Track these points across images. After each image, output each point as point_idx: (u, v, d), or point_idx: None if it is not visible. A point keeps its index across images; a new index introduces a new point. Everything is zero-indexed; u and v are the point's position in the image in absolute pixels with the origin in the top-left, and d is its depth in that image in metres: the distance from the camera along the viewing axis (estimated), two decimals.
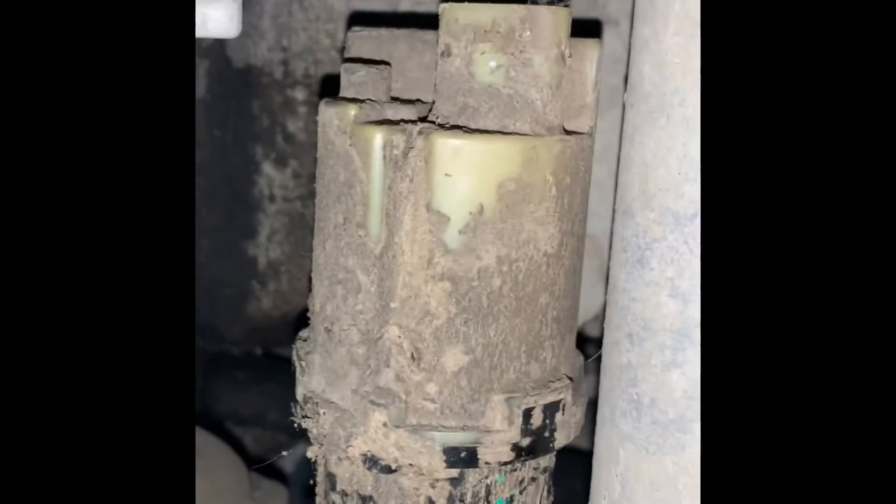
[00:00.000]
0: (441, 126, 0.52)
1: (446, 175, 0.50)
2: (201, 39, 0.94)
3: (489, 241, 0.51)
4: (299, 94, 0.85)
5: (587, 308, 0.83)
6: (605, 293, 0.62)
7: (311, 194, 0.90)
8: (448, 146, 0.50)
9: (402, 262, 0.52)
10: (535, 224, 0.52)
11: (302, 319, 0.62)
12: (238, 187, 0.90)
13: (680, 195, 0.51)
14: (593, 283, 0.84)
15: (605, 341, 0.60)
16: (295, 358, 0.60)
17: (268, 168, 0.89)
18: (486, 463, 0.54)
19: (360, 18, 0.80)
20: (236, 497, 0.91)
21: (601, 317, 0.75)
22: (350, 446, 0.54)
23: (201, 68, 0.90)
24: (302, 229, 0.90)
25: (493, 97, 0.52)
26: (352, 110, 0.53)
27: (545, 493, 0.60)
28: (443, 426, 0.53)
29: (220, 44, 0.90)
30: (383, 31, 0.62)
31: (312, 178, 0.89)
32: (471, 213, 0.51)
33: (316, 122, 0.80)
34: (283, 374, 1.17)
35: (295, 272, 0.91)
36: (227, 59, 0.89)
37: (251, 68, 0.87)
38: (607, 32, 0.79)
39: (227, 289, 0.94)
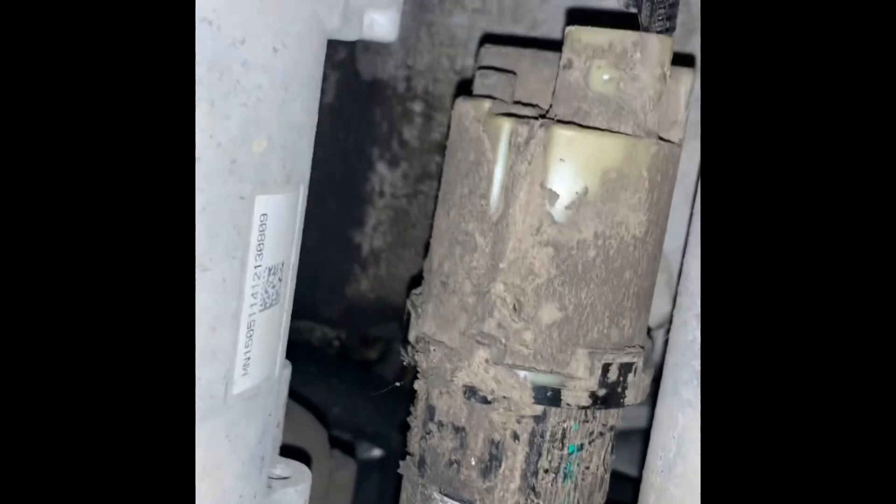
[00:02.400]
0: (559, 121, 0.64)
1: (560, 160, 0.62)
2: (333, 53, 1.09)
3: (589, 218, 0.62)
4: (417, 106, 0.99)
5: (653, 315, 0.93)
6: (672, 305, 0.72)
7: (416, 193, 1.03)
8: (564, 136, 0.61)
9: (515, 229, 0.63)
10: (629, 210, 0.63)
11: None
12: (353, 182, 1.03)
13: None
14: (661, 294, 0.94)
15: (674, 322, 0.70)
16: (409, 307, 0.72)
17: (381, 167, 1.02)
18: (567, 404, 0.63)
19: (489, 39, 0.93)
20: (317, 454, 1.02)
21: (666, 326, 0.85)
22: (455, 377, 0.64)
23: (332, 78, 1.05)
24: (404, 223, 1.02)
25: (603, 104, 0.64)
26: (486, 104, 0.65)
27: (608, 450, 0.69)
28: (534, 368, 0.63)
29: (350, 58, 1.04)
30: (510, 49, 0.75)
31: (419, 178, 1.02)
32: (577, 193, 0.62)
33: (429, 131, 0.93)
34: (350, 373, 1.28)
35: (393, 260, 1.04)
36: (356, 72, 1.03)
37: (377, 81, 1.01)
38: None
39: (330, 271, 1.06)
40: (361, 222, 1.04)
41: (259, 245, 0.53)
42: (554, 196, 0.62)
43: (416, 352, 0.68)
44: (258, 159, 0.52)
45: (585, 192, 0.62)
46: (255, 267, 0.53)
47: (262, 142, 0.51)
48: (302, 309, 1.09)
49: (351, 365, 1.31)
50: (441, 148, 1.00)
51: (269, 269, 0.55)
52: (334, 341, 1.33)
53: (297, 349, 1.18)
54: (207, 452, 0.53)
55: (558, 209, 0.62)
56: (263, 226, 0.53)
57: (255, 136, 0.51)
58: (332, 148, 1.04)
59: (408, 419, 0.73)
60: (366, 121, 1.03)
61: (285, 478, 0.69)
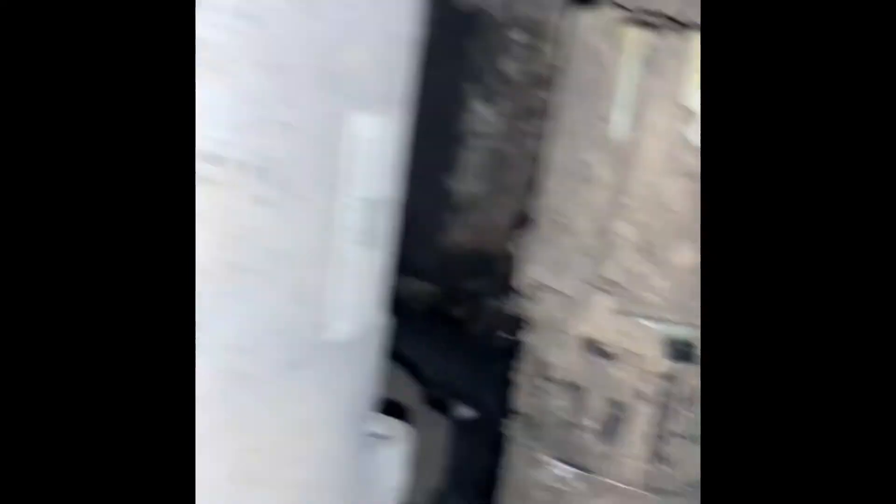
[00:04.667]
0: (697, 26, 0.54)
1: (699, 73, 0.52)
2: None
3: None
4: (518, 35, 0.90)
5: None
6: None
7: (516, 133, 0.94)
8: None
9: (644, 156, 0.54)
10: None
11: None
12: (443, 122, 0.95)
13: None
14: None
15: None
16: (514, 250, 0.64)
17: (477, 104, 0.94)
18: None
19: None
20: (410, 412, 0.97)
21: None
22: (571, 329, 0.57)
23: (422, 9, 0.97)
24: (501, 166, 0.94)
25: None
26: (609, 12, 0.56)
27: None
28: (666, 319, 0.55)
29: None
30: None
31: (519, 116, 0.94)
32: None
33: (531, 63, 0.83)
34: (440, 330, 1.22)
35: (490, 208, 0.96)
36: (448, 1, 0.95)
37: (472, 9, 0.93)
38: None
39: (423, 219, 1.00)
40: (455, 166, 0.96)
41: (354, 172, 0.46)
42: (691, 116, 0.53)
43: (526, 300, 0.60)
44: (354, 71, 0.44)
45: None
46: (350, 197, 0.47)
47: (362, 50, 0.44)
48: (395, 260, 1.04)
49: (441, 321, 1.26)
50: (545, 81, 0.90)
51: (365, 202, 0.48)
52: (427, 297, 1.27)
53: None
54: (298, 406, 0.47)
55: (696, 131, 0.53)
56: (359, 150, 0.46)
57: (353, 43, 0.44)
58: (421, 85, 0.97)
59: (511, 374, 0.66)
60: (457, 53, 0.94)
61: (383, 436, 0.63)
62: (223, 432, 0.44)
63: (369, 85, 0.46)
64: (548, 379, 0.61)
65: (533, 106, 0.92)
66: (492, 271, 1.03)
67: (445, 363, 1.18)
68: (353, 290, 0.49)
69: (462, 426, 1.23)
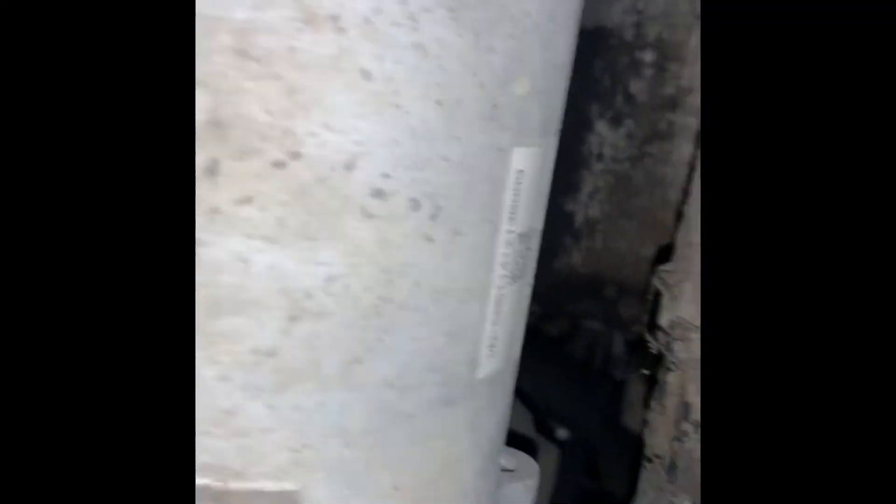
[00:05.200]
0: None
1: None
2: None
3: None
4: (648, 56, 0.87)
5: None
6: None
7: (643, 156, 0.91)
8: None
9: None
10: None
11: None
12: (567, 143, 0.93)
13: None
14: None
15: None
16: (660, 286, 0.61)
17: (601, 127, 0.91)
18: None
19: None
20: (525, 432, 0.95)
21: None
22: None
23: None
24: (626, 190, 0.91)
25: None
26: None
27: None
28: None
29: None
30: None
31: (647, 139, 0.91)
32: None
33: (661, 85, 0.79)
34: (537, 348, 1.19)
35: (612, 232, 0.93)
36: None
37: (600, 30, 0.90)
38: None
39: (542, 243, 0.98)
40: (576, 188, 0.94)
41: (513, 207, 0.45)
42: None
43: (672, 339, 0.57)
44: (519, 104, 0.43)
45: None
46: (508, 232, 0.45)
47: (526, 82, 0.43)
48: None
49: (539, 340, 1.24)
50: (674, 103, 0.87)
51: (521, 236, 0.47)
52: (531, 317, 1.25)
53: None
54: (448, 443, 0.46)
55: None
56: (519, 184, 0.45)
57: (518, 74, 0.42)
58: None
59: (648, 415, 0.63)
60: (584, 73, 0.92)
61: (510, 470, 0.62)
62: (377, 469, 0.43)
63: (531, 117, 0.45)
64: (693, 423, 0.58)
65: (660, 128, 0.89)
66: (598, 295, 1.00)
67: (543, 382, 1.16)
68: (506, 324, 0.48)
69: (560, 447, 1.20)
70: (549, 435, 1.16)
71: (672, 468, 0.59)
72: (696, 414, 0.57)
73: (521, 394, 1.09)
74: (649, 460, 0.62)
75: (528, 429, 0.98)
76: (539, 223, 0.51)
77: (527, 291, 0.52)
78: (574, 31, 0.49)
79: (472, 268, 0.44)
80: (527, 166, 0.45)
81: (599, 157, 0.92)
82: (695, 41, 0.84)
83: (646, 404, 0.63)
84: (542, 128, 0.46)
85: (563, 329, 1.28)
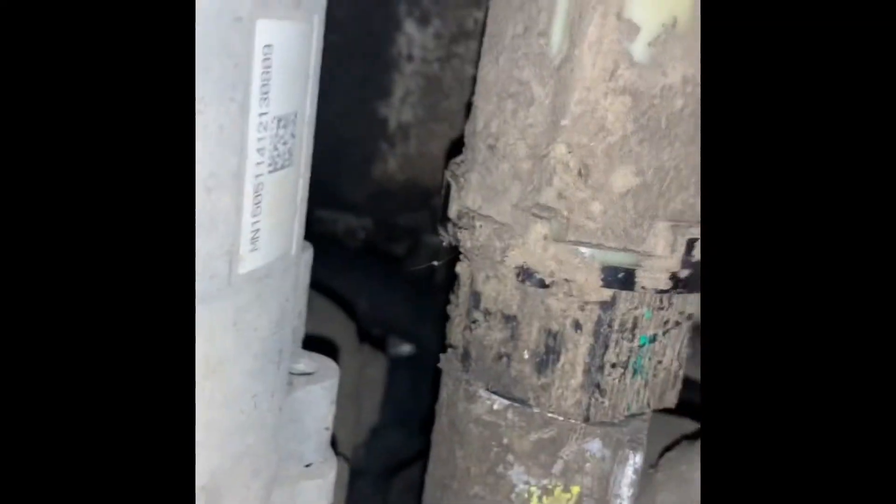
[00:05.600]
0: None
1: None
2: None
3: (677, 57, 0.50)
4: None
5: None
6: None
7: (451, 56, 0.89)
8: None
9: (583, 73, 0.51)
10: None
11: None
12: (375, 45, 0.90)
13: None
14: None
15: None
16: (449, 177, 0.60)
17: (409, 27, 0.88)
18: (643, 287, 0.53)
19: None
20: (346, 348, 0.94)
21: None
22: (506, 258, 0.54)
23: None
24: (438, 92, 0.90)
25: None
26: None
27: (685, 342, 0.59)
28: (603, 245, 0.53)
29: None
30: None
31: (454, 38, 0.89)
32: (663, 25, 0.49)
33: None
34: (377, 266, 1.18)
35: (425, 137, 0.92)
36: None
37: None
38: None
39: (353, 149, 0.95)
40: (387, 92, 0.91)
41: (264, 86, 0.42)
42: (634, 29, 0.49)
43: (459, 229, 0.57)
44: None
45: (674, 23, 0.49)
46: (260, 115, 0.42)
47: None
48: (322, 194, 0.99)
49: (378, 258, 1.23)
50: (481, 1, 0.85)
51: (279, 120, 0.44)
52: (359, 231, 1.23)
53: (318, 240, 1.10)
54: (211, 344, 0.43)
55: (639, 47, 0.50)
56: (268, 60, 0.42)
57: None
58: (349, 6, 0.90)
59: (447, 308, 0.63)
60: None
61: (309, 373, 0.60)
62: None
63: None
64: (483, 311, 0.58)
65: (467, 27, 0.87)
66: (429, 205, 0.99)
67: (383, 299, 1.16)
68: (270, 217, 0.45)
69: (401, 362, 1.21)
70: (382, 348, 1.16)
71: (465, 356, 0.60)
72: (486, 302, 0.57)
73: (347, 304, 1.07)
74: (444, 350, 0.62)
75: (348, 339, 0.97)
76: (307, 107, 0.47)
77: (299, 182, 0.49)
78: None
79: (219, 151, 0.40)
80: (277, 41, 0.42)
81: (409, 58, 0.90)
82: None
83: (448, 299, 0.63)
84: (294, 0, 0.43)
85: (405, 247, 1.28)
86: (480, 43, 0.58)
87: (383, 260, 1.22)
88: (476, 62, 0.81)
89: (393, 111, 0.92)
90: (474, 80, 0.59)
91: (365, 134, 0.94)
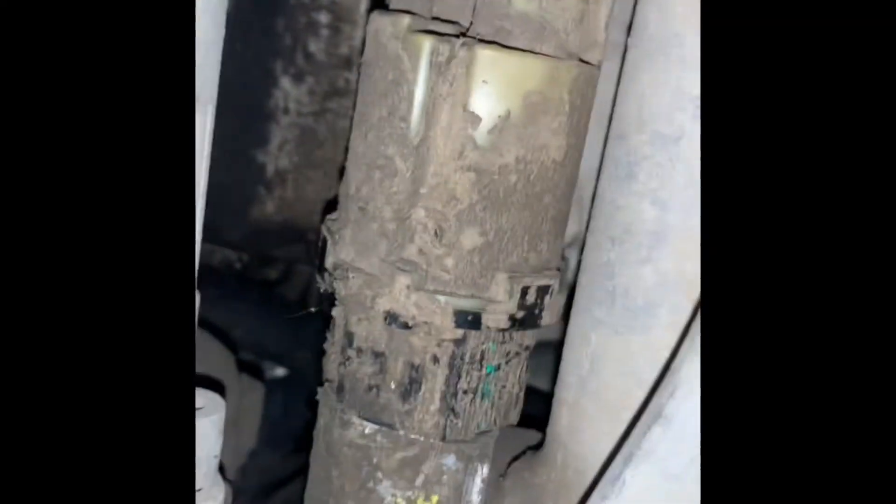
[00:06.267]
0: (481, 41, 0.62)
1: (483, 82, 0.60)
2: None
3: (511, 142, 0.62)
4: (323, 17, 0.93)
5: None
6: (585, 226, 0.73)
7: (324, 111, 0.99)
8: (487, 56, 0.60)
9: (436, 153, 0.62)
10: (550, 134, 0.63)
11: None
12: (255, 99, 0.97)
13: (670, 121, 0.62)
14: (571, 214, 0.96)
15: (587, 243, 0.71)
16: (325, 233, 0.69)
17: (285, 83, 0.97)
18: (487, 327, 0.64)
19: None
20: (226, 379, 1.00)
21: (577, 245, 0.87)
22: (375, 304, 0.64)
23: None
24: (311, 142, 0.98)
25: (525, 23, 0.62)
26: (405, 19, 0.62)
27: (524, 368, 0.71)
28: (455, 293, 0.64)
29: None
30: None
31: (326, 95, 0.98)
32: (499, 117, 0.61)
33: (336, 45, 0.87)
34: (251, 293, 1.24)
35: (301, 181, 1.00)
36: None
37: None
38: None
39: (234, 192, 1.02)
40: (265, 141, 0.99)
41: None
42: (476, 119, 0.61)
43: (334, 279, 0.66)
44: None
45: (508, 115, 0.61)
46: None
47: None
48: (203, 231, 1.04)
49: (252, 285, 1.28)
50: (350, 63, 0.95)
51: None
52: (236, 263, 1.29)
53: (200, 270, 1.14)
54: None
55: (481, 133, 0.61)
56: None
57: None
58: (231, 62, 0.98)
59: (324, 346, 0.72)
60: (268, 32, 0.96)
61: (199, 408, 0.67)
62: None
63: None
64: (355, 348, 0.67)
65: (338, 85, 0.97)
66: (303, 240, 1.08)
67: (257, 325, 1.22)
68: None
69: (275, 385, 1.27)
70: (257, 374, 1.22)
71: (340, 388, 0.69)
72: (358, 341, 0.67)
73: (221, 333, 1.13)
74: (321, 384, 0.71)
75: (230, 370, 1.03)
76: (201, 182, 0.55)
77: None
78: (221, 7, 0.53)
79: None
80: None
81: (286, 110, 0.98)
82: (364, 5, 0.92)
83: (325, 337, 0.72)
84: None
85: (279, 274, 1.34)
86: (352, 100, 0.68)
87: (258, 286, 1.29)
88: (348, 117, 0.91)
89: (271, 158, 1.00)
90: (346, 130, 0.68)
91: (244, 179, 1.01)
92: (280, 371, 1.31)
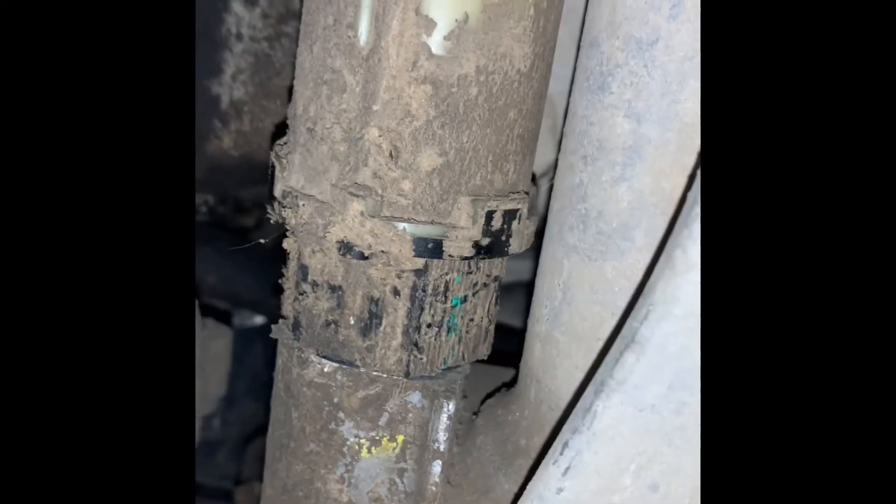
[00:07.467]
0: None
1: None
2: None
3: (470, 49, 0.56)
4: None
5: (537, 163, 0.89)
6: (557, 151, 0.68)
7: (279, 35, 0.92)
8: None
9: (388, 64, 0.56)
10: (513, 40, 0.57)
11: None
12: (205, 25, 0.90)
13: (644, 22, 0.56)
14: (545, 141, 0.90)
15: (559, 166, 0.66)
16: (274, 159, 0.64)
17: (237, 6, 0.89)
18: (450, 256, 0.59)
19: None
20: None
21: (550, 174, 0.81)
22: (328, 233, 0.59)
23: None
24: (267, 70, 0.92)
25: None
26: None
27: (493, 301, 0.67)
28: (414, 219, 0.59)
29: None
30: None
31: (281, 17, 0.91)
32: (456, 21, 0.55)
33: None
34: (224, 241, 1.20)
35: (258, 113, 0.94)
36: None
37: None
38: None
39: None
40: (218, 70, 0.93)
41: None
42: (431, 24, 0.55)
43: (284, 207, 0.61)
44: None
45: (466, 19, 0.55)
46: None
47: None
48: None
49: (224, 233, 1.24)
50: None
51: None
52: (201, 207, 1.23)
53: None
54: None
55: (436, 40, 0.55)
56: None
57: None
58: None
59: (279, 281, 0.67)
60: None
61: None
62: None
63: None
64: (310, 283, 0.63)
65: (294, 7, 0.90)
66: (266, 180, 1.02)
67: (229, 272, 1.17)
68: None
69: (247, 333, 1.23)
70: (227, 321, 1.18)
71: (297, 325, 0.64)
72: (313, 274, 0.62)
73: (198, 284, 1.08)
74: (276, 321, 0.66)
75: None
76: None
77: None
78: None
79: None
80: None
81: (238, 36, 0.91)
82: None
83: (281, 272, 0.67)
84: None
85: (257, 220, 1.29)
86: None
87: (232, 234, 1.24)
88: None
89: (225, 89, 0.93)
90: None
91: (197, 112, 0.94)
92: (259, 319, 1.27)
